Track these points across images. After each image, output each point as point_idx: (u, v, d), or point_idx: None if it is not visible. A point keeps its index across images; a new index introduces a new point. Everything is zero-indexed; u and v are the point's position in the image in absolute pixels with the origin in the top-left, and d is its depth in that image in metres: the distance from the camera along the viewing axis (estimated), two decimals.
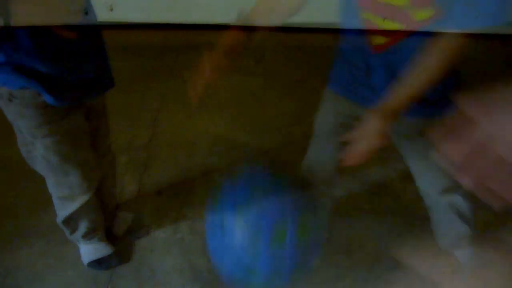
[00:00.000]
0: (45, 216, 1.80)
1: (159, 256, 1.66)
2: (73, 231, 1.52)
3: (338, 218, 1.80)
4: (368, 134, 1.01)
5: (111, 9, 3.05)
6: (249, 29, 1.08)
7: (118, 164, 2.03)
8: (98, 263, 1.59)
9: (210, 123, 2.28)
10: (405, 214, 1.83)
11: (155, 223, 1.78)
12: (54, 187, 1.38)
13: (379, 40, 1.09)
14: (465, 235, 1.43)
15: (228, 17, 3.27)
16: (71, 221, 1.47)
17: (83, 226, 1.50)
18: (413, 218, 1.81)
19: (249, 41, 1.08)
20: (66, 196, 1.39)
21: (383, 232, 1.76)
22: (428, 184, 1.33)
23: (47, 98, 1.11)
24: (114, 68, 2.69)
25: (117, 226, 1.69)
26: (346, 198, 1.89)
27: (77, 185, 1.34)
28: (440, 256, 1.37)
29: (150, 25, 3.05)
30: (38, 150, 1.22)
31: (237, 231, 1.02)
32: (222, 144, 2.16)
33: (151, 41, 2.94)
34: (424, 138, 1.10)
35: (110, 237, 1.66)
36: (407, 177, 1.98)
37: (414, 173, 1.33)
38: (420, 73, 0.98)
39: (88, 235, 1.54)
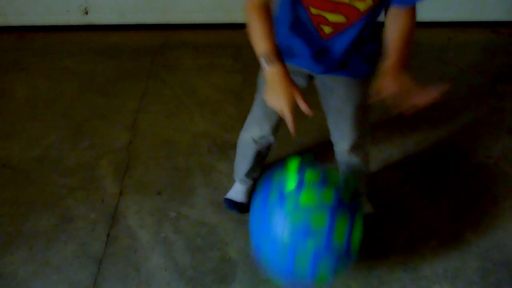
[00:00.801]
0: (26, 222, 1.79)
1: (143, 255, 1.67)
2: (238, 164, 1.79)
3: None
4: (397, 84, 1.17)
5: (86, 13, 3.03)
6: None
7: (99, 166, 2.03)
8: (229, 203, 1.84)
9: (190, 122, 2.29)
10: (384, 201, 1.87)
11: (138, 223, 1.78)
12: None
13: (327, 29, 1.22)
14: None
15: (203, 17, 3.30)
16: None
17: (244, 166, 1.76)
18: (393, 205, 1.85)
19: None
20: (245, 124, 1.63)
21: (364, 220, 1.79)
22: (339, 138, 1.53)
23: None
24: (92, 70, 2.70)
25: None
26: None
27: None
28: None
29: (126, 27, 3.04)
30: None
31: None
32: (203, 143, 2.16)
33: (127, 42, 2.93)
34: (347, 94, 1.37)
35: None
36: (385, 165, 2.03)
37: (331, 127, 1.53)
38: (410, 34, 1.24)
39: (248, 177, 1.80)
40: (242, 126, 2.23)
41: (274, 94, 1.14)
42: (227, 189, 1.92)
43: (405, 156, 2.08)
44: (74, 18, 3.05)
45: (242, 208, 1.83)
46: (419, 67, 2.67)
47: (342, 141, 1.52)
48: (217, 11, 3.01)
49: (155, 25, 3.06)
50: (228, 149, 2.12)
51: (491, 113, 2.35)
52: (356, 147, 1.53)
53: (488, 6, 3.05)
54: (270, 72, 1.12)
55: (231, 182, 1.95)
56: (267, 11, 1.13)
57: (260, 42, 1.11)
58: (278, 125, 1.55)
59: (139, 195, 1.90)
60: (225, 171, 2.01)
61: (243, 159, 1.76)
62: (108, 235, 1.74)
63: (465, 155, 2.09)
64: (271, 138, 1.62)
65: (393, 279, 1.59)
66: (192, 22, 3.05)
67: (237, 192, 1.86)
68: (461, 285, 1.58)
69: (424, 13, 3.07)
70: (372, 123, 2.23)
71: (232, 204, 1.84)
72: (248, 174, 1.81)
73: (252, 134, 1.63)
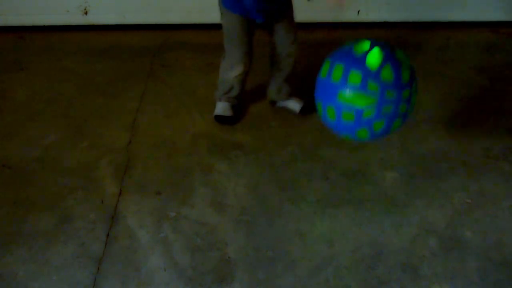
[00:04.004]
0: (26, 222, 1.79)
1: (143, 256, 1.67)
2: (226, 91, 2.21)
3: (318, 208, 1.84)
4: None
5: (86, 13, 3.03)
6: None
7: (99, 166, 2.03)
8: (221, 119, 2.25)
9: (189, 122, 2.29)
10: (384, 201, 1.87)
11: (138, 223, 1.78)
12: (224, 56, 2.11)
13: None
14: (288, 92, 2.28)
15: (202, 17, 3.29)
16: (226, 83, 2.18)
17: (231, 92, 2.20)
18: (392, 205, 1.85)
19: None
20: (230, 65, 2.09)
21: (363, 220, 1.79)
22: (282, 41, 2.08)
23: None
24: (91, 70, 2.70)
25: (292, 105, 2.32)
26: (325, 188, 1.92)
27: (238, 57, 2.05)
28: None
29: (125, 27, 3.04)
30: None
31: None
32: (202, 142, 2.16)
33: (127, 42, 2.93)
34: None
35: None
36: (385, 165, 2.03)
37: (276, 38, 2.07)
38: None
39: (231, 98, 2.24)
40: (241, 125, 2.25)
41: None
42: (227, 189, 1.92)
43: (405, 156, 2.08)
44: (74, 18, 3.04)
45: (233, 120, 2.24)
46: (419, 67, 2.67)
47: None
48: (217, 11, 3.00)
49: (155, 25, 3.06)
50: (228, 149, 2.12)
51: (491, 113, 2.34)
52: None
53: (488, 6, 3.04)
54: None
55: (231, 182, 1.95)
56: None
57: None
58: (252, 53, 2.06)
59: (138, 195, 1.90)
60: (225, 171, 2.01)
61: (231, 90, 2.18)
62: (107, 235, 1.74)
63: (465, 155, 2.09)
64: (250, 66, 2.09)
65: (393, 279, 1.59)
66: (192, 22, 3.05)
67: (224, 109, 2.23)
68: (460, 285, 1.58)
69: (424, 13, 3.08)
70: None
71: (224, 119, 2.23)
72: (237, 96, 2.22)
73: (237, 73, 2.08)
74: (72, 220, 1.80)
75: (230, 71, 2.09)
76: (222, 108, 2.25)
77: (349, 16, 3.06)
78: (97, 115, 2.34)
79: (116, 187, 1.93)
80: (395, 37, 2.95)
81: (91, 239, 1.73)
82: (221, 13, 1.98)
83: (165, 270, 1.62)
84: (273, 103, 2.34)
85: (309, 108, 2.25)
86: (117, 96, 2.46)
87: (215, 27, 3.14)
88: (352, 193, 1.90)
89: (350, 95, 1.39)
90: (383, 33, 3.01)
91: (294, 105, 2.30)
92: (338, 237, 1.73)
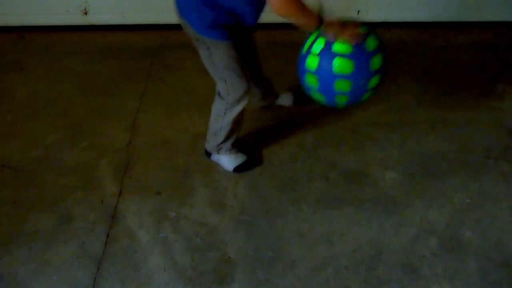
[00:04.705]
0: (26, 222, 1.79)
1: (143, 256, 1.67)
2: (229, 137, 1.94)
3: (318, 209, 1.84)
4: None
5: (86, 13, 3.03)
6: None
7: (99, 166, 2.03)
8: (244, 167, 2.02)
9: (189, 122, 2.29)
10: (384, 201, 1.87)
11: (138, 223, 1.78)
12: (227, 92, 1.79)
13: None
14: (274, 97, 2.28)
15: None
16: (235, 124, 1.90)
17: (235, 135, 1.95)
18: (392, 205, 1.85)
19: None
20: (234, 100, 1.80)
21: (363, 220, 1.79)
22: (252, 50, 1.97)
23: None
24: (91, 70, 2.70)
25: (285, 100, 2.33)
26: (325, 189, 1.92)
27: (244, 84, 1.77)
28: None
29: (125, 27, 3.03)
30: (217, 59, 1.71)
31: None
32: (202, 143, 2.16)
33: (127, 42, 2.92)
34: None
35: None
36: (385, 165, 2.03)
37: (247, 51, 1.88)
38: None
39: (234, 145, 1.99)
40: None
41: (336, 25, 1.52)
42: (226, 189, 1.92)
43: (405, 156, 2.08)
44: (74, 18, 3.04)
45: (254, 161, 2.06)
46: (419, 67, 2.67)
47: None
48: None
49: (155, 25, 3.06)
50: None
51: (491, 113, 2.34)
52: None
53: (488, 6, 3.04)
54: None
55: (231, 182, 1.95)
56: None
57: (311, 13, 1.49)
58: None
59: (138, 195, 1.90)
60: (225, 171, 2.01)
61: (237, 129, 1.94)
62: (107, 235, 1.74)
63: (465, 155, 2.09)
64: None
65: (392, 279, 1.59)
66: None
67: (240, 157, 2.03)
68: (460, 285, 1.58)
69: (424, 13, 3.08)
70: (372, 123, 2.23)
71: (247, 166, 2.03)
72: (237, 137, 1.99)
73: (245, 104, 1.82)
74: (72, 220, 1.80)
75: (238, 105, 1.81)
76: (232, 160, 2.02)
77: (349, 16, 3.06)
78: (97, 115, 2.33)
79: (116, 187, 1.93)
80: (395, 37, 2.95)
81: (91, 239, 1.73)
82: (209, 49, 1.68)
83: (165, 270, 1.62)
84: (265, 107, 2.32)
85: (301, 98, 2.26)
86: (117, 96, 2.46)
87: None
88: (352, 193, 1.90)
89: (314, 49, 1.53)
90: (383, 33, 3.00)
91: (286, 100, 2.32)
92: (338, 237, 1.73)
